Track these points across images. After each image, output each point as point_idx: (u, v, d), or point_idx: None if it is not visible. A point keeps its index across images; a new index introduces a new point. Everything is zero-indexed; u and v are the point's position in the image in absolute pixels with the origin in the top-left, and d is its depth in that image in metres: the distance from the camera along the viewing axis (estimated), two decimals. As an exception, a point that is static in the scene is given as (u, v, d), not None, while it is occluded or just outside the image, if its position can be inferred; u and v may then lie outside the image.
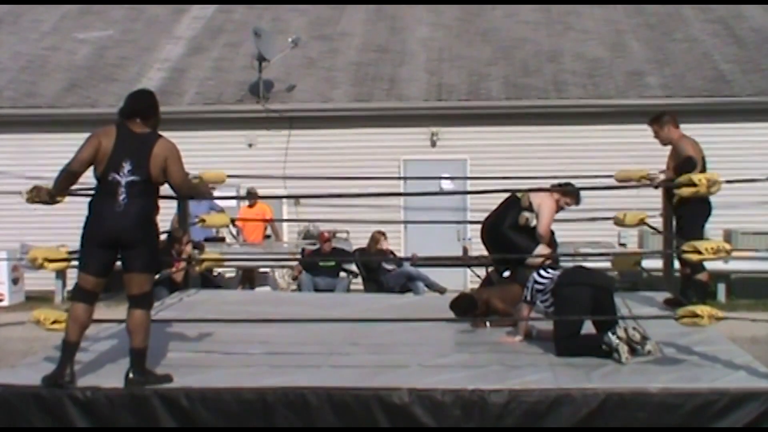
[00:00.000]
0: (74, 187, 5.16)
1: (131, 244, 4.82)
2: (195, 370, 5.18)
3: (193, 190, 5.39)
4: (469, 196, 13.20)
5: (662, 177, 7.16)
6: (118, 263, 4.97)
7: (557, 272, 5.89)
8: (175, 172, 4.96)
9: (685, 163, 6.87)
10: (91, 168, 4.93)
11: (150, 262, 4.96)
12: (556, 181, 7.30)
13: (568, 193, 7.01)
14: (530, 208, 6.91)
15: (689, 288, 7.06)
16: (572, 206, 7.12)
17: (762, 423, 4.61)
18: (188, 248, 9.68)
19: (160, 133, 5.06)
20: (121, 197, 4.81)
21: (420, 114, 13.81)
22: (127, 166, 4.84)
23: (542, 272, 5.94)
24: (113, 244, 4.84)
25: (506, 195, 7.17)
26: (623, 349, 5.26)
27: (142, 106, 5.06)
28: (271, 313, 6.88)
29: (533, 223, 6.90)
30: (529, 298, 5.95)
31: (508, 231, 6.89)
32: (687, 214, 6.97)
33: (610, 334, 5.35)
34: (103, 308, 7.66)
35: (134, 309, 4.90)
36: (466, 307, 6.53)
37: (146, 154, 4.87)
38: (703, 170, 6.84)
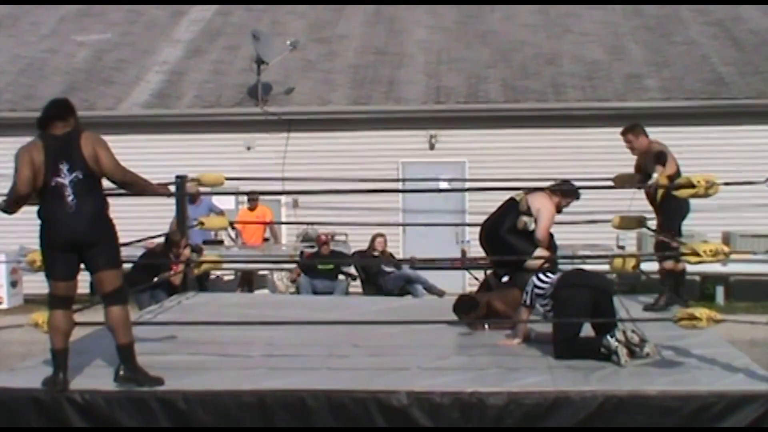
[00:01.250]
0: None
1: (90, 243, 4.79)
2: (193, 372, 5.17)
3: (131, 176, 5.05)
4: (467, 199, 13.22)
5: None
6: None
7: (557, 276, 5.88)
8: (105, 158, 4.85)
9: (658, 156, 7.03)
10: None
11: (113, 257, 4.94)
12: (553, 184, 7.31)
13: (567, 193, 7.01)
14: (528, 212, 6.90)
15: (680, 286, 7.24)
16: (572, 203, 7.14)
17: (760, 425, 4.61)
18: (186, 251, 9.67)
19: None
20: (69, 198, 4.77)
21: (418, 116, 13.81)
22: (64, 168, 4.79)
23: (542, 276, 5.94)
24: (72, 247, 4.80)
25: (504, 197, 7.16)
26: (622, 351, 5.25)
27: (56, 110, 4.98)
28: (269, 316, 6.87)
29: (531, 226, 6.89)
30: (528, 301, 5.94)
31: (507, 234, 6.88)
32: (668, 211, 7.11)
33: (609, 336, 5.35)
34: (101, 310, 7.65)
35: (110, 306, 4.90)
36: (468, 308, 6.52)
37: (77, 150, 4.80)
38: (678, 173, 7.02)
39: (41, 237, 4.85)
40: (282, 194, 12.99)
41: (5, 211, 5.06)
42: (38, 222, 4.88)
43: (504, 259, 6.96)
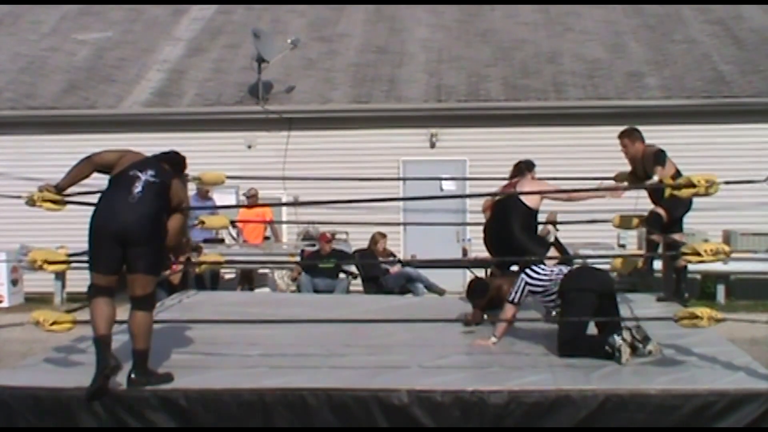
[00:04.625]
0: (75, 190, 5.18)
1: (137, 241, 4.79)
2: (194, 371, 5.17)
3: (176, 243, 5.39)
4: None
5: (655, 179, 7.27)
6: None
7: (557, 271, 5.84)
8: (182, 196, 5.15)
9: (656, 157, 7.11)
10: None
11: (154, 263, 4.95)
12: (541, 179, 7.44)
13: (530, 167, 7.32)
14: (535, 211, 6.97)
15: (680, 283, 7.36)
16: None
17: (761, 424, 4.61)
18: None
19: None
20: (137, 190, 4.86)
21: (419, 115, 13.81)
22: (149, 171, 4.97)
23: (535, 269, 5.88)
24: (120, 239, 4.78)
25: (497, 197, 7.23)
26: (625, 350, 5.25)
27: (175, 158, 5.26)
28: (270, 315, 6.88)
29: (552, 238, 6.95)
30: (516, 299, 5.86)
31: (522, 237, 6.87)
32: (670, 206, 7.19)
33: (615, 335, 5.34)
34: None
35: (137, 311, 4.89)
36: (480, 291, 6.55)
37: (168, 177, 5.05)
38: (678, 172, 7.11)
39: (91, 222, 4.85)
40: (284, 205, 12.97)
41: (62, 185, 5.20)
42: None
43: (505, 260, 6.98)
